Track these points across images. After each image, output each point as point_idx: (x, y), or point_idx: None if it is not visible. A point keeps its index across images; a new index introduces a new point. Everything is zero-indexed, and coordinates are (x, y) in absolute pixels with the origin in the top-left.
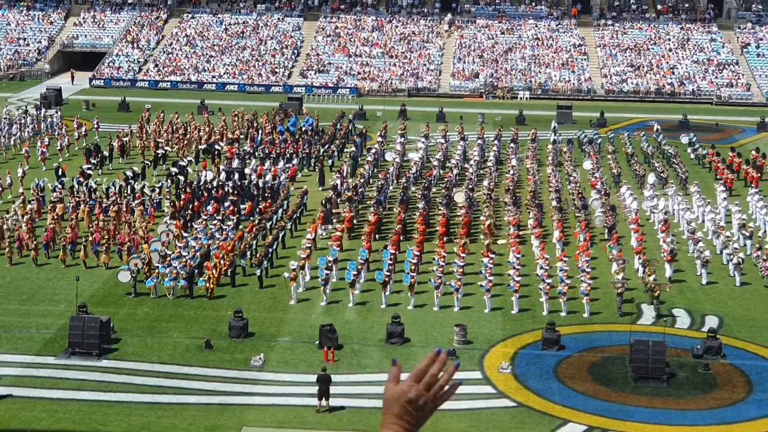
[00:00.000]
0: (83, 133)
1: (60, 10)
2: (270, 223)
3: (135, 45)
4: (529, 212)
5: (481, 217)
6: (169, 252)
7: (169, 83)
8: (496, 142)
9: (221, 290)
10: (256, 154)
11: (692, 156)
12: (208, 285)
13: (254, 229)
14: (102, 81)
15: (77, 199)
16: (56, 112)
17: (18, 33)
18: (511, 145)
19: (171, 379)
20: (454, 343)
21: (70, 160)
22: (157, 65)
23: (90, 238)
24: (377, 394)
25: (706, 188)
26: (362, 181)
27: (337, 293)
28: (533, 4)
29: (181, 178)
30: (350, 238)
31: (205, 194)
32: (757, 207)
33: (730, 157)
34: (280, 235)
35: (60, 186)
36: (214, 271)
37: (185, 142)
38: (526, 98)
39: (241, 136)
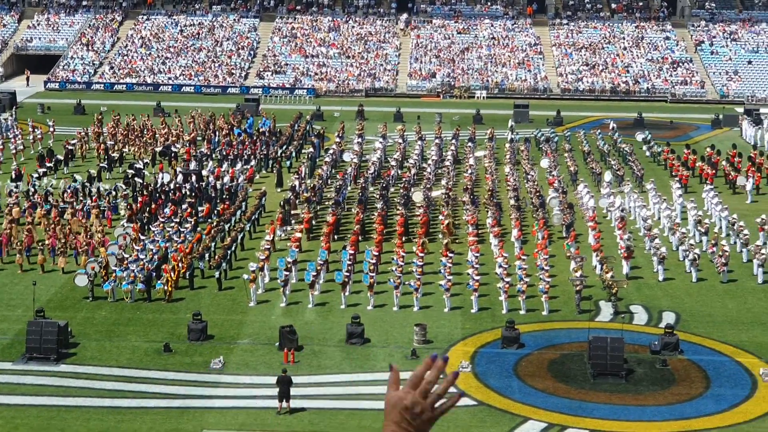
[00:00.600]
0: (39, 136)
1: (13, 12)
2: (228, 225)
3: (90, 47)
4: (487, 211)
5: (440, 217)
6: (126, 255)
7: (124, 85)
8: (453, 141)
9: (179, 293)
10: (214, 155)
11: (648, 154)
12: (166, 288)
13: (212, 231)
14: (57, 84)
15: (33, 202)
16: (11, 116)
17: None
18: (469, 144)
19: (130, 383)
20: (414, 342)
21: (25, 164)
22: (112, 67)
23: (47, 242)
24: (338, 395)
25: (662, 185)
26: (320, 181)
27: (297, 294)
28: (489, 3)
29: (138, 180)
30: (309, 239)
31: (162, 197)
32: (712, 203)
33: (685, 155)
34: (239, 237)
35: (15, 189)
36: (172, 274)
37: (141, 144)
38: (483, 97)
39: (198, 138)
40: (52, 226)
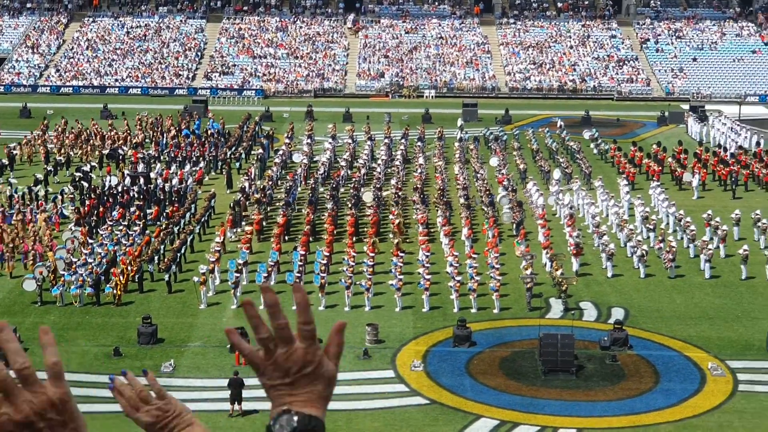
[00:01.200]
0: None
1: None
2: (177, 227)
3: (35, 50)
4: (437, 210)
5: (390, 216)
6: (74, 259)
7: (71, 88)
8: (403, 141)
9: (129, 296)
10: (162, 158)
11: (595, 151)
12: (115, 291)
13: (161, 233)
14: (2, 87)
15: None
16: None
17: None
18: (418, 143)
19: (80, 387)
20: (366, 342)
21: None
22: (58, 70)
23: None
24: None
25: (610, 182)
26: (270, 183)
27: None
28: (436, 3)
29: (85, 183)
30: (259, 240)
31: (111, 199)
32: (659, 200)
33: (632, 152)
34: (188, 239)
35: None
36: (121, 278)
37: (89, 147)
38: (432, 97)
39: (146, 140)
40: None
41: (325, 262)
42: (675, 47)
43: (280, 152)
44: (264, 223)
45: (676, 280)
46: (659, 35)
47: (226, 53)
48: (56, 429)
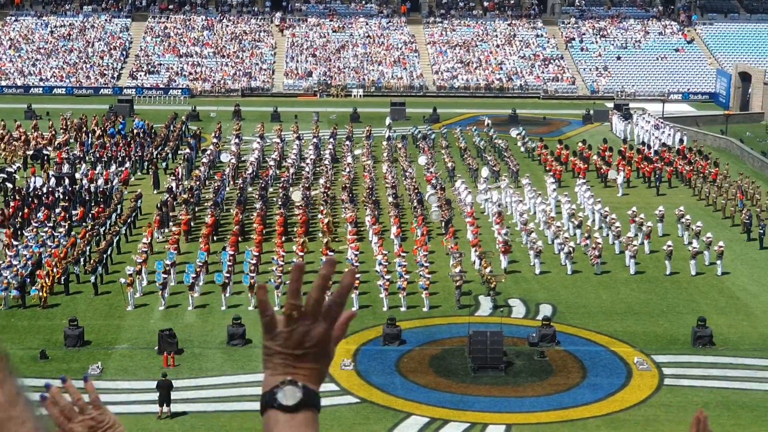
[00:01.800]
0: None
1: None
2: (103, 228)
3: None
4: (366, 209)
5: (319, 216)
6: None
7: None
8: (331, 140)
9: (55, 299)
10: (87, 158)
11: (522, 149)
12: (41, 294)
13: (87, 235)
14: None
15: None
16: None
17: None
18: (347, 142)
19: None
20: None
21: None
22: None
23: None
24: (220, 397)
25: (537, 180)
26: (198, 183)
27: (176, 297)
28: (363, 2)
29: (10, 185)
30: (187, 240)
31: (35, 201)
32: (585, 197)
33: (558, 150)
34: (115, 240)
35: None
36: (46, 280)
37: (12, 148)
38: (360, 96)
39: (71, 140)
40: None
41: (254, 262)
42: (599, 46)
43: (208, 152)
44: (192, 224)
45: (602, 277)
46: (584, 34)
47: (152, 52)
48: None
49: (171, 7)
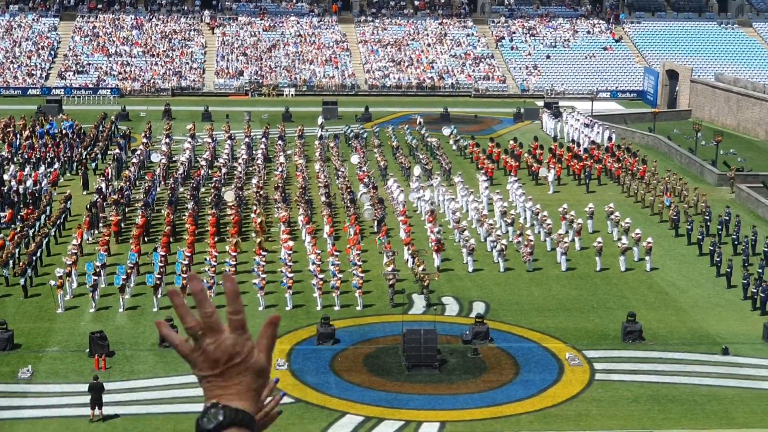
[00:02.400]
0: None
1: None
2: (33, 230)
3: None
4: (299, 208)
5: (252, 215)
6: None
7: None
8: (263, 139)
9: None
10: (15, 159)
11: (454, 147)
12: None
13: (16, 237)
14: None
15: None
16: None
17: None
18: (279, 142)
19: None
20: None
21: None
22: None
23: None
24: (152, 399)
25: (469, 178)
26: (128, 183)
27: (107, 299)
28: (294, 1)
29: None
30: (118, 242)
31: None
32: (517, 195)
33: (490, 148)
34: (44, 242)
35: None
36: None
37: None
38: (292, 95)
39: None
40: None
41: (186, 262)
42: (529, 45)
43: (138, 152)
44: (122, 225)
45: (534, 274)
46: (514, 33)
47: (81, 52)
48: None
49: (100, 6)
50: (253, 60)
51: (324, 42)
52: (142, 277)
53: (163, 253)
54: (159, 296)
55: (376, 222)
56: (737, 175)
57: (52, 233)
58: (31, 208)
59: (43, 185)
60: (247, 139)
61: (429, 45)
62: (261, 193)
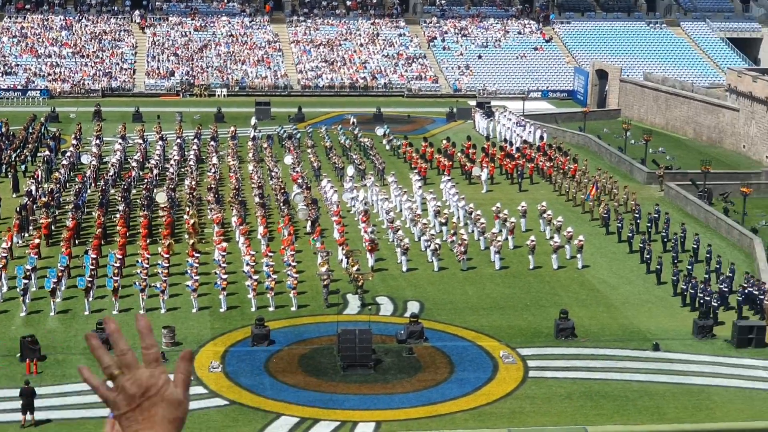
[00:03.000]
0: None
1: None
2: None
3: None
4: (232, 209)
5: (185, 217)
6: None
7: None
8: (195, 140)
9: None
10: None
11: (387, 147)
12: None
13: None
14: None
15: None
16: None
17: None
18: (211, 143)
19: None
20: (163, 345)
21: None
22: None
23: None
24: (85, 404)
25: (402, 178)
26: (58, 185)
27: (38, 302)
28: (225, 1)
29: None
30: (48, 244)
31: None
32: (450, 194)
33: (423, 147)
34: None
35: None
36: None
37: None
38: (224, 95)
39: None
40: None
41: (118, 265)
42: (461, 45)
43: (68, 154)
44: (52, 227)
45: (468, 272)
46: (446, 33)
47: (9, 53)
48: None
49: (28, 6)
50: (185, 60)
51: (256, 42)
52: (73, 280)
53: (95, 256)
54: (90, 299)
55: (310, 222)
56: (666, 174)
57: None
58: None
59: None
60: (178, 140)
61: (361, 45)
62: (193, 194)
